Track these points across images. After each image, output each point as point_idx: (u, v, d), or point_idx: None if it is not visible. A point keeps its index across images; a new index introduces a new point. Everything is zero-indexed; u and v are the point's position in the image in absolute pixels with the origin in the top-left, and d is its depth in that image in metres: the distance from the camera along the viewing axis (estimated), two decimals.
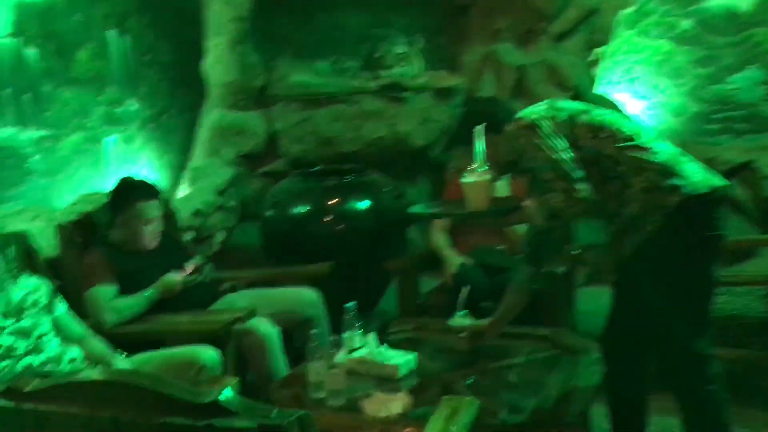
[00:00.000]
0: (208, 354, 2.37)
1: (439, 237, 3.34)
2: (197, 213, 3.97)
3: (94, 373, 2.21)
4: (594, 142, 2.12)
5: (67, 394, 1.18)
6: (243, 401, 1.13)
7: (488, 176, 2.23)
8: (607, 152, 2.11)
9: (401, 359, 2.44)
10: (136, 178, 2.90)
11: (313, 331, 2.94)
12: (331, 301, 3.02)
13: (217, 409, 1.09)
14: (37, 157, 3.55)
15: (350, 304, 2.59)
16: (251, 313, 2.63)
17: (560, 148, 2.08)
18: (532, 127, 2.13)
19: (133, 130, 4.15)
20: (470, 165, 2.33)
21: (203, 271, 2.91)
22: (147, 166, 4.23)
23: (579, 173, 2.07)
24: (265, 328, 2.70)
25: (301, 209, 3.74)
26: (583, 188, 2.06)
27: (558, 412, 2.12)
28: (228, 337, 2.57)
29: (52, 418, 1.17)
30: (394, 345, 2.65)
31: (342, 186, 3.78)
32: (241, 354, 2.71)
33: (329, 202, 3.74)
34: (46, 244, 2.87)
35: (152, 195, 2.83)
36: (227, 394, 1.11)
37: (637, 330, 2.33)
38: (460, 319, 2.61)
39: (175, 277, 2.78)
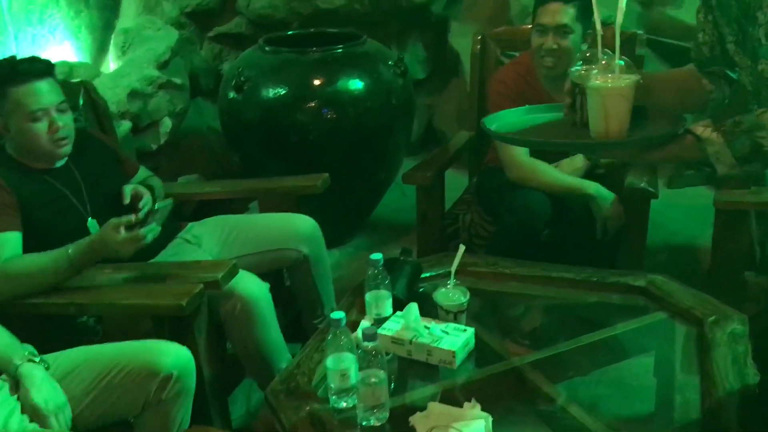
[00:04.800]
0: (174, 356, 1.53)
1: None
2: (134, 94, 2.97)
3: None
4: None
5: None
6: None
7: (634, 77, 1.31)
8: None
9: (457, 338, 1.67)
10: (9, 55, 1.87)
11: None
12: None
13: None
14: None
15: (377, 256, 1.76)
16: (232, 272, 1.77)
17: None
18: None
19: None
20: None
21: (159, 215, 1.89)
22: (59, 28, 3.13)
23: None
24: (251, 288, 1.87)
25: (276, 91, 2.79)
26: None
27: None
28: (198, 310, 1.73)
29: None
30: (426, 299, 1.88)
31: (331, 59, 2.82)
32: (217, 322, 1.88)
33: (314, 82, 2.79)
34: None
35: (34, 74, 1.81)
36: None
37: None
38: None
39: (112, 233, 1.71)
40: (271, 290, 1.97)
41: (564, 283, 1.94)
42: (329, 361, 1.49)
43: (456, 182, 2.82)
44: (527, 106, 1.61)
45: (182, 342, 1.65)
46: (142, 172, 2.21)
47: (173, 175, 3.20)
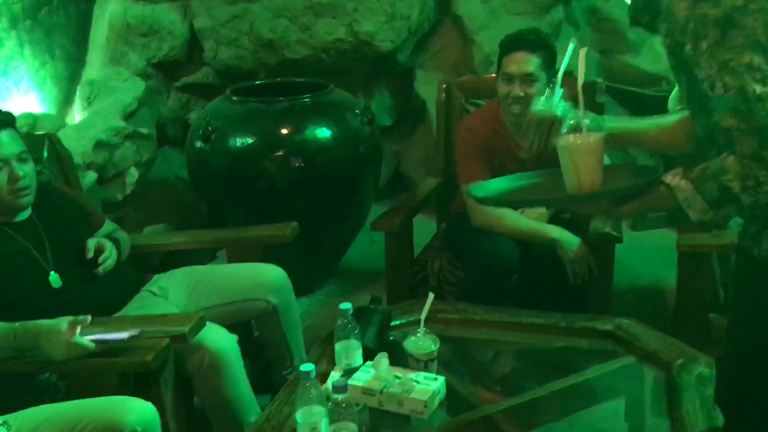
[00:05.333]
0: (138, 413, 1.49)
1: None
2: (99, 144, 2.95)
3: None
4: None
5: None
6: None
7: (600, 134, 1.35)
8: None
9: (428, 387, 1.66)
10: None
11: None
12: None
13: None
14: None
15: (346, 305, 1.76)
16: (199, 325, 1.74)
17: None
18: None
19: (0, 30, 3.01)
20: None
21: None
22: (23, 80, 3.12)
23: None
24: (219, 341, 1.84)
25: (244, 140, 2.79)
26: None
27: None
28: (164, 365, 1.69)
29: None
30: (396, 347, 1.87)
31: (298, 108, 2.84)
32: (184, 376, 1.85)
33: (281, 131, 2.81)
34: None
35: None
36: None
37: None
38: None
39: (66, 331, 1.59)
40: (240, 342, 1.94)
41: (533, 328, 1.95)
42: (299, 415, 1.47)
43: (425, 228, 2.83)
44: (519, 173, 1.62)
45: (148, 397, 1.60)
46: (108, 225, 2.18)
47: (140, 226, 3.17)
